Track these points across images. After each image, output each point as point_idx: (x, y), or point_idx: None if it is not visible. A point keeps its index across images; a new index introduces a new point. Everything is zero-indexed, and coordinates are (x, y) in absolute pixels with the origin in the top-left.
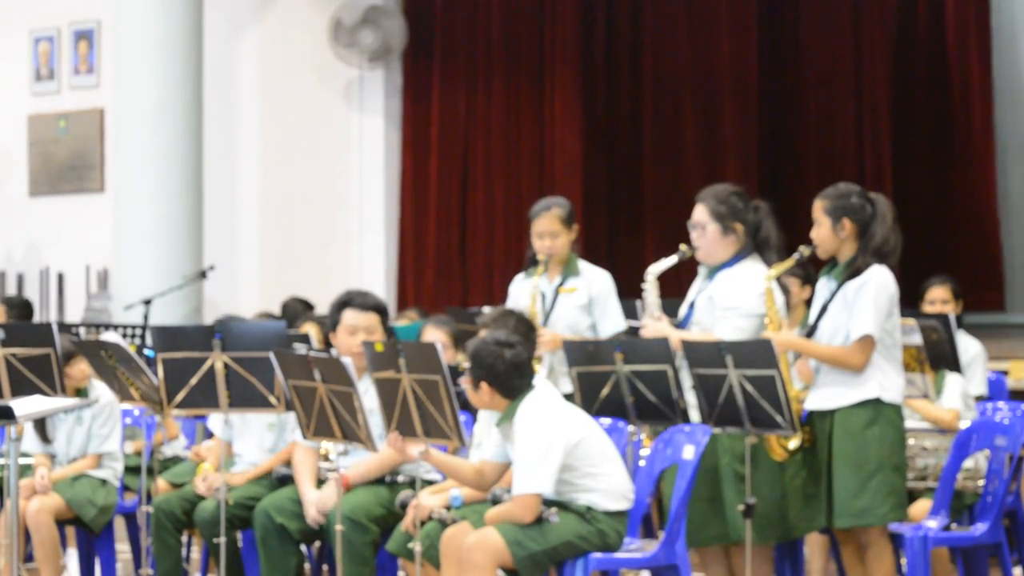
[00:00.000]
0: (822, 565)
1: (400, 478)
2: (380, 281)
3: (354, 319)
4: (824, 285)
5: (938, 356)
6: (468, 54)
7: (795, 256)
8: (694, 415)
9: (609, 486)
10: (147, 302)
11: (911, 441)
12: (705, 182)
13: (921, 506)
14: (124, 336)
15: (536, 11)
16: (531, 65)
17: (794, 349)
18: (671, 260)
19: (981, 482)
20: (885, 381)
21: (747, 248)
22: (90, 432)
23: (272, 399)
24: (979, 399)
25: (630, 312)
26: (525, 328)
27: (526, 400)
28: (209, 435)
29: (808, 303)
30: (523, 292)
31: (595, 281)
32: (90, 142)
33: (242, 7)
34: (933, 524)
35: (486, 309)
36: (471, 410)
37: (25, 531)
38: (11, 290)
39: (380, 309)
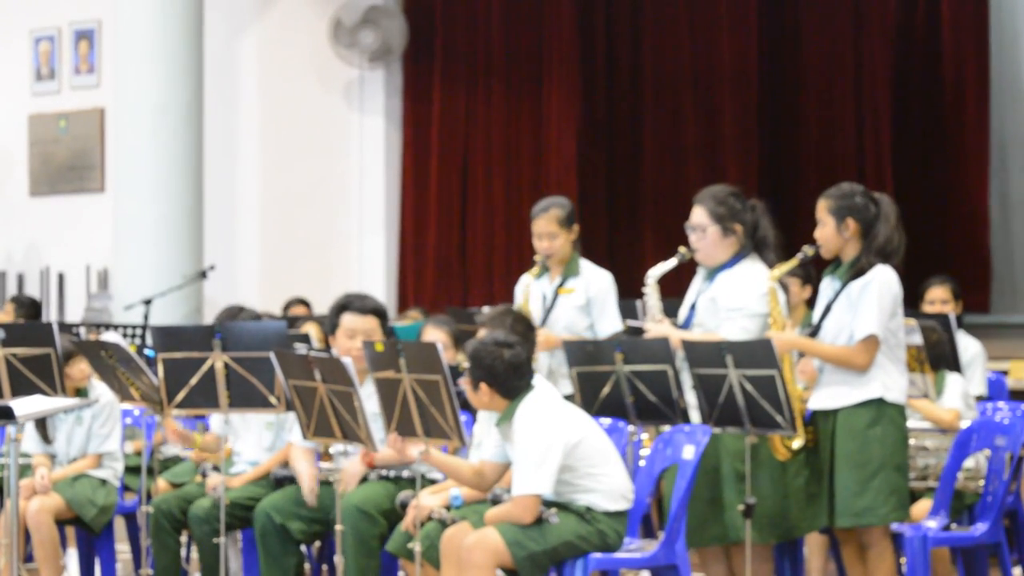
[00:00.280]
0: (822, 565)
1: (405, 473)
2: (380, 281)
3: (353, 323)
4: (828, 285)
5: (938, 356)
6: (468, 54)
7: (799, 256)
8: (694, 415)
9: (609, 486)
10: (147, 302)
11: (912, 441)
12: (705, 182)
13: (921, 506)
14: (124, 336)
15: (536, 11)
16: (531, 65)
17: (798, 349)
18: (671, 263)
19: (981, 482)
20: (888, 381)
21: (746, 248)
22: (90, 432)
23: (272, 399)
24: (979, 399)
25: (630, 312)
26: (523, 327)
27: (525, 400)
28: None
29: (808, 303)
30: (526, 292)
31: (594, 282)
32: (90, 142)
33: (242, 7)
34: (933, 524)
35: (486, 309)
36: (471, 410)
37: (25, 531)
38: (11, 290)
39: (379, 312)
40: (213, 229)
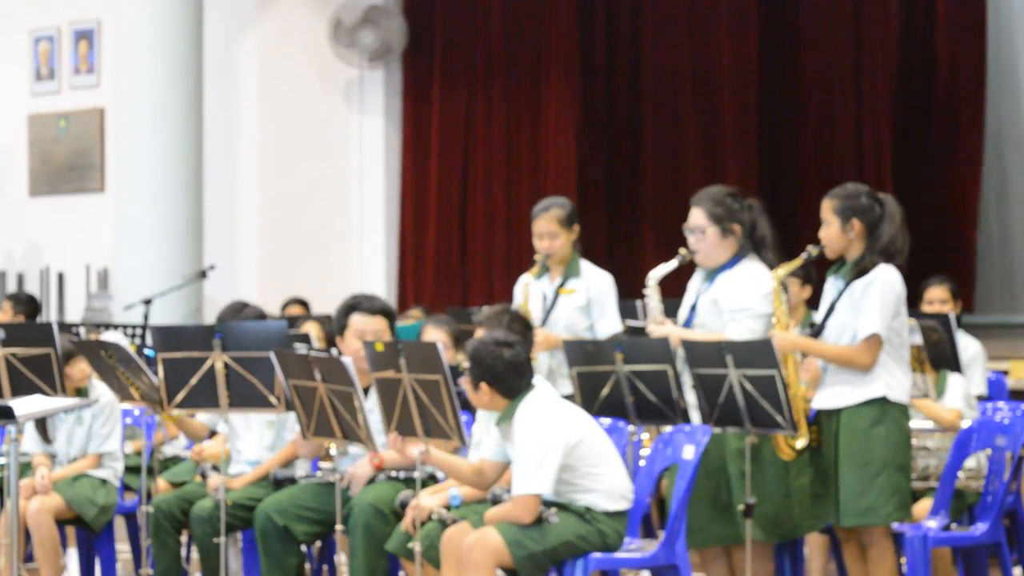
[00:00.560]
0: (822, 565)
1: (416, 474)
2: (380, 281)
3: (362, 323)
4: (832, 284)
5: (938, 356)
6: (468, 54)
7: (803, 255)
8: (694, 415)
9: (608, 486)
10: (147, 302)
11: (913, 441)
12: (705, 182)
13: (922, 506)
14: (124, 335)
15: (536, 11)
16: (531, 65)
17: (801, 349)
18: (671, 264)
19: (982, 482)
20: (892, 380)
21: (745, 248)
22: (90, 432)
23: (272, 399)
24: (979, 399)
25: (630, 313)
26: (521, 326)
27: (526, 400)
28: (211, 434)
29: (808, 303)
30: (525, 291)
31: (594, 282)
32: (90, 142)
33: (242, 7)
34: (933, 524)
35: (485, 309)
36: (471, 410)
37: (25, 531)
38: (12, 290)
39: (388, 313)
40: (213, 229)
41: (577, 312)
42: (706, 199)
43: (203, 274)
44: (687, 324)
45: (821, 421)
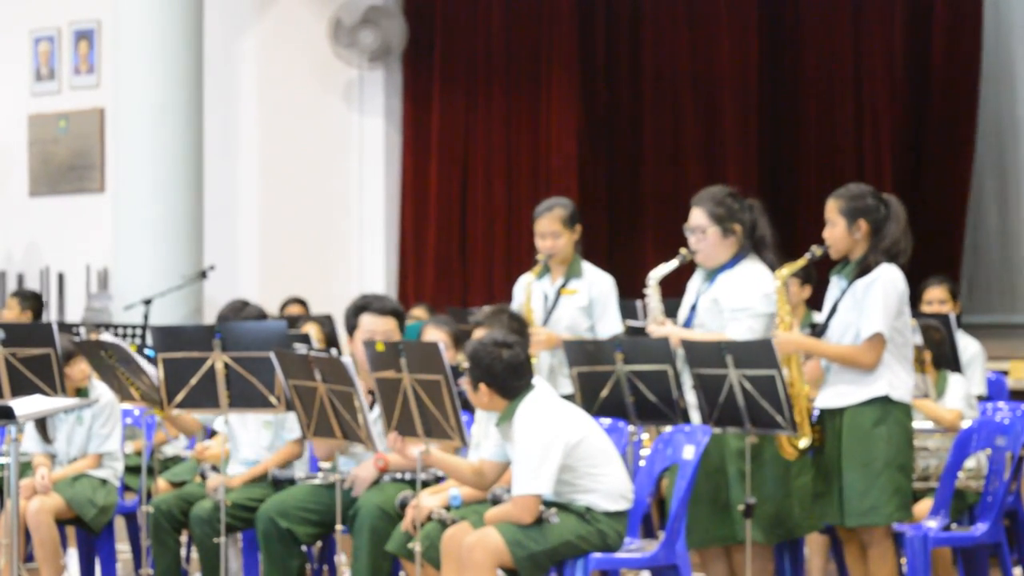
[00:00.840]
0: (822, 565)
1: (422, 476)
2: (380, 281)
3: (372, 324)
4: (835, 284)
5: (939, 356)
6: (468, 54)
7: (807, 255)
8: (694, 415)
9: (609, 486)
10: (147, 302)
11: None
12: (705, 182)
13: (922, 506)
14: (124, 337)
15: (536, 11)
16: (531, 65)
17: (806, 349)
18: (671, 264)
19: (982, 482)
20: (895, 380)
21: (745, 248)
22: (90, 432)
23: (272, 399)
24: (979, 399)
25: (630, 313)
26: (518, 325)
27: (525, 400)
28: (211, 434)
29: (808, 303)
30: (523, 291)
31: (596, 283)
32: (90, 142)
33: (242, 7)
34: (933, 524)
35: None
36: (472, 410)
37: (25, 531)
38: (12, 290)
39: (398, 313)
40: (213, 229)
41: (579, 312)
42: (707, 199)
43: (203, 274)
44: (687, 324)
45: (824, 420)
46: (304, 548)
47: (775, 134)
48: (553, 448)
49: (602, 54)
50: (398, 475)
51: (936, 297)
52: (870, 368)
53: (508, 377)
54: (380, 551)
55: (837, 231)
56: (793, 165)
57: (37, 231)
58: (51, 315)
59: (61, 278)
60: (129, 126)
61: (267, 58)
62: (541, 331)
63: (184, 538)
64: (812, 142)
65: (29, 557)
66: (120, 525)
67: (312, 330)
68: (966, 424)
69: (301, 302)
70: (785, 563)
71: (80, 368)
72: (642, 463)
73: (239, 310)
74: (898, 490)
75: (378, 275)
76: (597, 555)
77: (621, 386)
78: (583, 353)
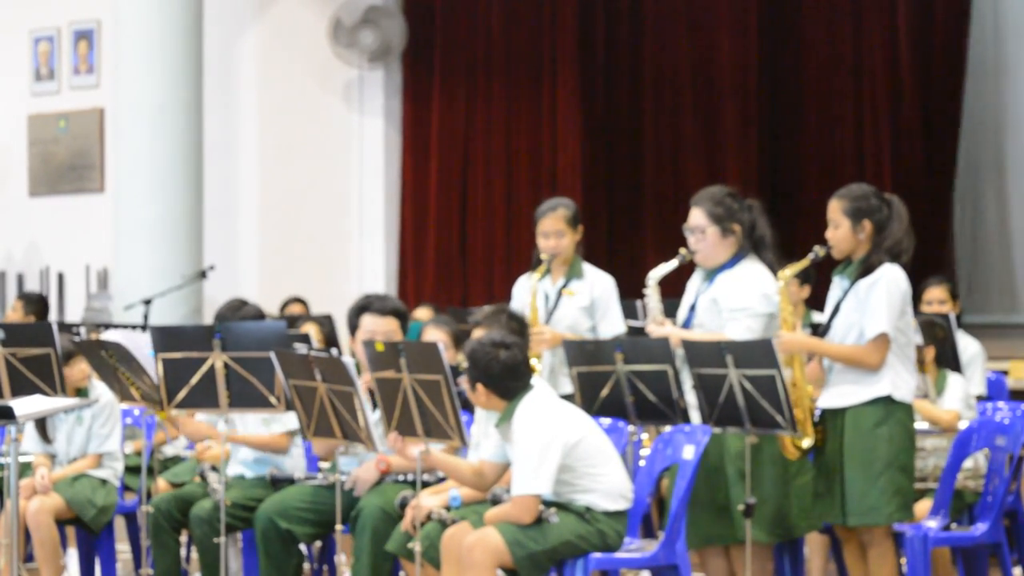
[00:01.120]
0: (822, 565)
1: (426, 477)
2: (380, 281)
3: (373, 324)
4: (837, 284)
5: (940, 355)
6: (468, 54)
7: (810, 256)
8: (694, 415)
9: (608, 486)
10: (147, 302)
11: None
12: (705, 182)
13: (922, 506)
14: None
15: (536, 11)
16: (531, 65)
17: (810, 350)
18: (671, 264)
19: (981, 482)
20: (897, 380)
21: (745, 248)
22: (90, 432)
23: (272, 399)
24: (979, 399)
25: (630, 313)
26: (518, 325)
27: (524, 401)
28: None
29: (807, 302)
30: (525, 291)
31: (597, 284)
32: (90, 142)
33: (242, 7)
34: (933, 524)
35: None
36: (472, 410)
37: (25, 531)
38: (11, 290)
39: (399, 313)
40: (213, 229)
41: (581, 312)
42: (706, 199)
43: (203, 274)
44: (686, 324)
45: (826, 420)
46: (304, 548)
47: (775, 134)
48: (552, 448)
49: (602, 54)
50: (400, 477)
51: (936, 297)
52: (876, 368)
53: (505, 378)
54: (381, 552)
55: (841, 232)
56: (793, 165)
57: (37, 231)
58: (51, 315)
59: (61, 278)
60: (129, 126)
61: (267, 58)
62: (546, 330)
63: (184, 538)
64: (812, 142)
65: (29, 557)
66: (120, 525)
67: (311, 330)
68: (963, 425)
69: (301, 302)
70: (785, 563)
71: (80, 368)
72: (642, 463)
73: (237, 309)
74: (899, 490)
75: (378, 275)
76: (597, 555)
77: (621, 386)
78: (583, 353)
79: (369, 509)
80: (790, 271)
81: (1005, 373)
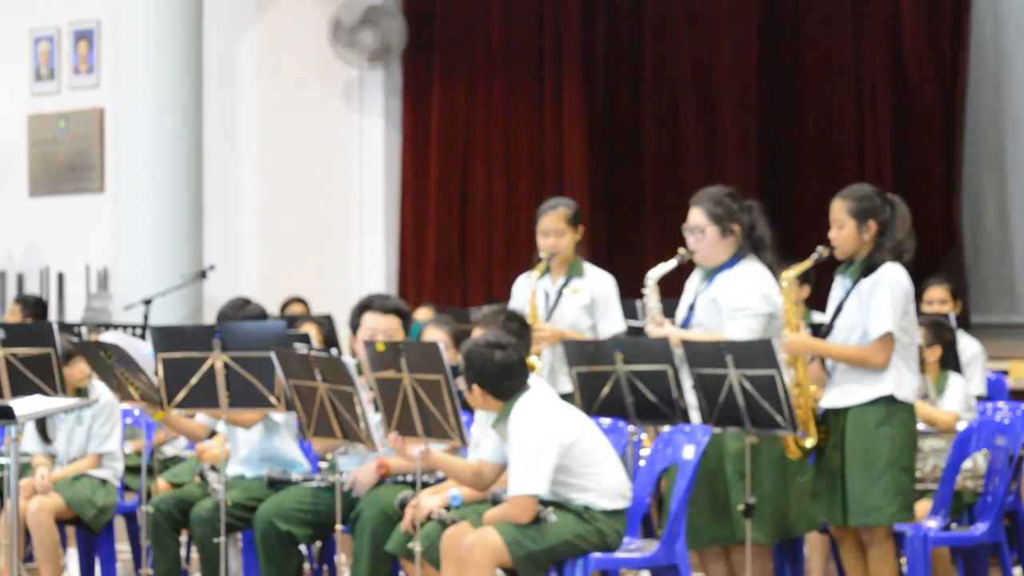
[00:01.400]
0: (822, 565)
1: (426, 478)
2: (380, 281)
3: (374, 322)
4: (839, 284)
5: (944, 355)
6: (468, 54)
7: (814, 256)
8: (694, 415)
9: (605, 485)
10: (147, 302)
11: None
12: (705, 182)
13: (921, 506)
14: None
15: (536, 11)
16: (531, 65)
17: (814, 351)
18: (670, 264)
19: (981, 482)
20: (900, 379)
21: (744, 248)
22: (90, 432)
23: (272, 399)
24: (979, 399)
25: (630, 313)
26: (517, 325)
27: (520, 401)
28: (211, 434)
29: (807, 302)
30: (525, 290)
31: (597, 283)
32: (90, 142)
33: (242, 7)
34: (933, 524)
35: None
36: (472, 410)
37: (25, 531)
38: (11, 290)
39: (401, 312)
40: (213, 229)
41: (581, 311)
42: (706, 199)
43: (203, 274)
44: (685, 324)
45: (829, 420)
46: (304, 548)
47: (775, 134)
48: (548, 448)
49: (602, 54)
50: (400, 478)
51: (937, 297)
52: (881, 368)
53: (500, 378)
54: (381, 552)
55: (846, 232)
56: (793, 165)
57: (37, 231)
58: (51, 315)
59: (61, 278)
60: (129, 126)
61: (267, 58)
62: (546, 327)
63: (184, 538)
64: (812, 142)
65: (29, 557)
66: (120, 525)
67: (311, 330)
68: (961, 426)
69: (302, 302)
70: (784, 563)
71: (80, 368)
72: (642, 463)
73: (240, 308)
74: (900, 491)
75: (378, 275)
76: (597, 555)
77: (621, 386)
78: (583, 353)
79: (369, 509)
80: (793, 272)
81: (1005, 373)
